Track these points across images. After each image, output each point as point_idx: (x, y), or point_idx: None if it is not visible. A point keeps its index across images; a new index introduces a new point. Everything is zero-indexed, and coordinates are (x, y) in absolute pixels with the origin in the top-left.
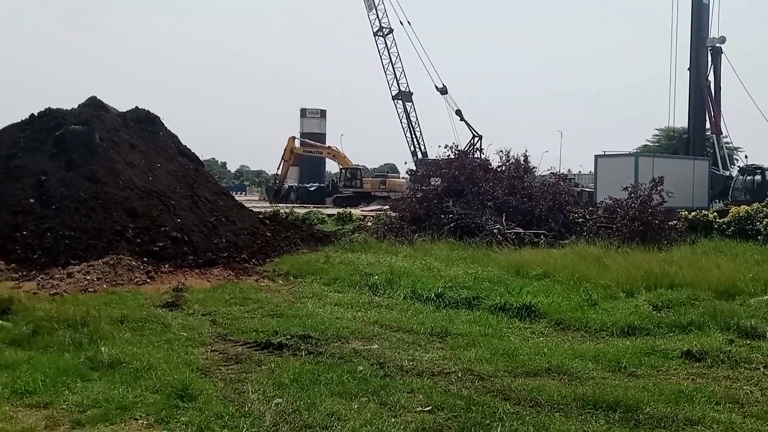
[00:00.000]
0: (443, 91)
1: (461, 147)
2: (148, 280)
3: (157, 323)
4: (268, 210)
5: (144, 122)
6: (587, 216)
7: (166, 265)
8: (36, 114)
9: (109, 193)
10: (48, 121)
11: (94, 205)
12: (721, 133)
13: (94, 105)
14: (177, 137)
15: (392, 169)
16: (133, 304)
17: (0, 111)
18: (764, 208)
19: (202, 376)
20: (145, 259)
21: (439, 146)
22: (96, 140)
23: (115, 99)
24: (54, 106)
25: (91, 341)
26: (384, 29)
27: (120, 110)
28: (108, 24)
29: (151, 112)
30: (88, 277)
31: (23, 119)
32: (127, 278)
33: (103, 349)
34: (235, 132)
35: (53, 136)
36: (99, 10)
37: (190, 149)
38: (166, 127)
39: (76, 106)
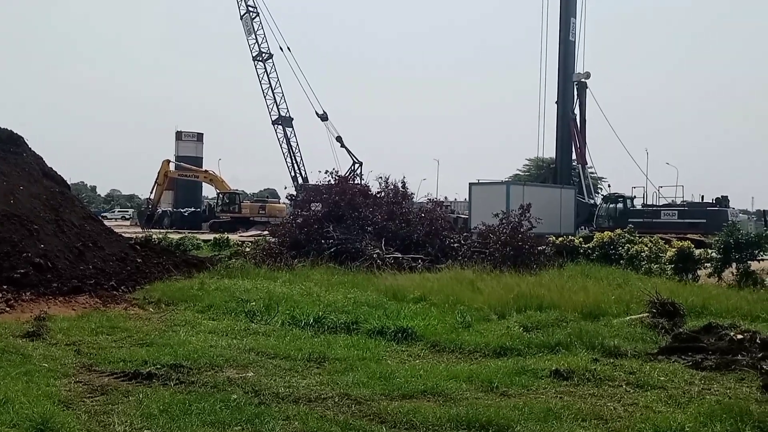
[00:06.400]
0: (324, 117)
1: (342, 173)
2: (8, 309)
3: (15, 354)
4: (140, 235)
5: (6, 143)
6: (462, 241)
7: (28, 293)
8: None
9: None
10: None
11: None
12: (586, 164)
13: None
14: (42, 159)
15: (272, 194)
16: None
17: None
18: (626, 234)
19: (65, 408)
20: (5, 286)
21: (320, 172)
22: None
23: None
24: None
25: None
26: (263, 54)
27: None
28: None
29: (14, 132)
30: None
31: None
32: None
33: None
34: (106, 155)
35: None
36: None
37: (56, 172)
38: (30, 148)
39: None
